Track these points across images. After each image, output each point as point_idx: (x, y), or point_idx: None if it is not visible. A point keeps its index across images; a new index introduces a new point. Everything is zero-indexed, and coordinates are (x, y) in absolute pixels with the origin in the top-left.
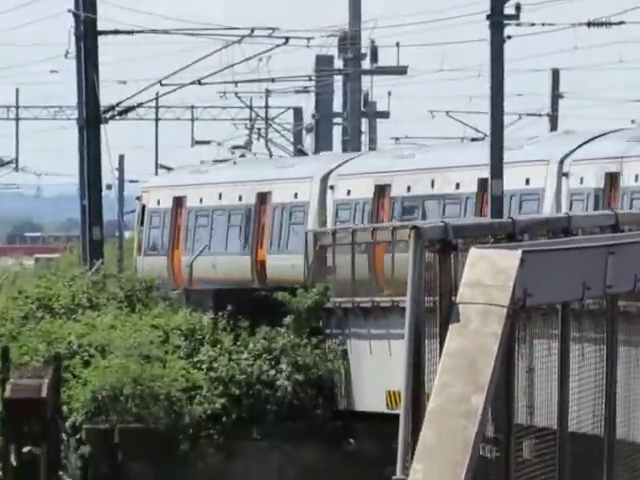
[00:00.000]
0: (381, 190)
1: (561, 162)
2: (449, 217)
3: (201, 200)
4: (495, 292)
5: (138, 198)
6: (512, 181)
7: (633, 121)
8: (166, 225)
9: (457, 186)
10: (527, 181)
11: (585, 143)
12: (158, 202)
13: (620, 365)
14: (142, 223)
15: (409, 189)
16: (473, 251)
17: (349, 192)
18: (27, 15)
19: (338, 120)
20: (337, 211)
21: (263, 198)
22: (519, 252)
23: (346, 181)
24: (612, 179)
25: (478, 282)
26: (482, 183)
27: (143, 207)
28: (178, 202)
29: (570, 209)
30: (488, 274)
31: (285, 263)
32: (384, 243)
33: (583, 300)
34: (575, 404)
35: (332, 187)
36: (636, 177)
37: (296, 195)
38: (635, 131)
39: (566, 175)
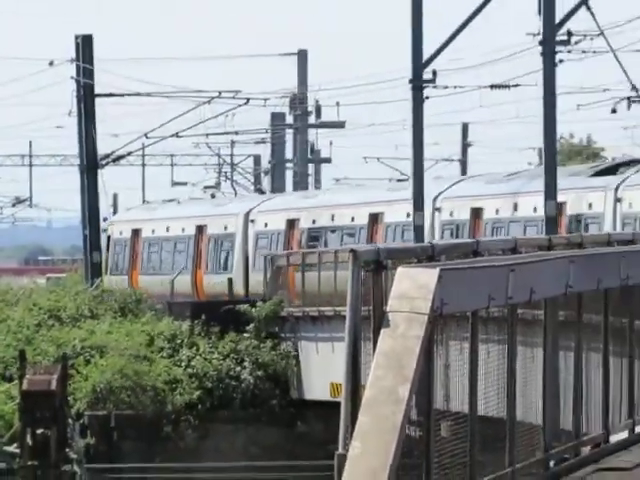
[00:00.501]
0: (291, 223)
1: (434, 199)
2: (347, 244)
3: (153, 231)
4: (418, 302)
5: (105, 230)
6: (399, 214)
7: (530, 163)
8: (126, 251)
9: (352, 219)
10: (408, 215)
11: (454, 184)
12: (120, 233)
13: (518, 361)
14: (108, 249)
15: (314, 222)
16: (400, 270)
17: (266, 225)
18: (38, 81)
19: (290, 165)
20: (257, 240)
21: (200, 230)
22: (437, 270)
23: (264, 216)
24: (476, 212)
25: (404, 295)
26: (372, 217)
27: (108, 237)
28: (135, 233)
29: (442, 237)
30: (412, 288)
31: (217, 280)
32: (329, 263)
33: (489, 308)
34: (482, 392)
35: (253, 221)
36: (496, 211)
37: (226, 227)
38: (492, 175)
39: (438, 210)
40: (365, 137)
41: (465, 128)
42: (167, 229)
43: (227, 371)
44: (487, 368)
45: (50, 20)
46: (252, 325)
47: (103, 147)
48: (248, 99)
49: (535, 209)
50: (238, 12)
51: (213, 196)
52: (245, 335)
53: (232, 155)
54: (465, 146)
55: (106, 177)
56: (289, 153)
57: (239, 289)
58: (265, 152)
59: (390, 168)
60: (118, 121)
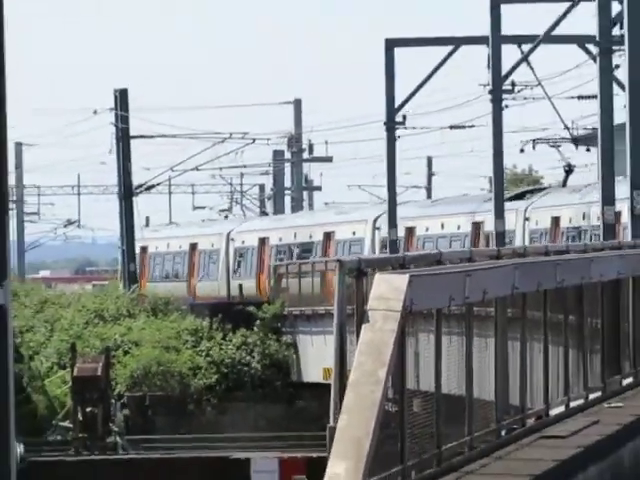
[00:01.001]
0: (263, 241)
1: (374, 221)
2: (306, 257)
3: (156, 247)
4: (392, 302)
5: (120, 247)
6: (346, 233)
7: (482, 189)
8: (137, 264)
9: (310, 236)
10: (353, 233)
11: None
12: (166, 246)
13: (474, 349)
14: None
15: (280, 239)
16: (377, 276)
17: (243, 242)
18: (84, 126)
19: (288, 192)
20: (236, 254)
21: (193, 247)
22: (407, 276)
23: (241, 235)
24: (410, 231)
25: (381, 296)
26: (325, 235)
27: (123, 251)
28: (143, 249)
29: (380, 252)
30: (387, 290)
31: (206, 286)
32: (319, 271)
33: (450, 307)
34: (446, 375)
35: (233, 239)
36: (426, 228)
37: (212, 244)
38: (424, 201)
39: (378, 229)
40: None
41: (430, 161)
42: (168, 246)
43: (239, 359)
44: (449, 355)
45: (92, 73)
46: (259, 322)
47: (137, 179)
48: (254, 139)
49: (459, 227)
50: (246, 66)
51: (226, 217)
52: (253, 330)
53: (242, 184)
54: (430, 175)
55: (140, 203)
56: (287, 182)
57: (223, 292)
58: (268, 181)
59: (369, 194)
60: (149, 157)
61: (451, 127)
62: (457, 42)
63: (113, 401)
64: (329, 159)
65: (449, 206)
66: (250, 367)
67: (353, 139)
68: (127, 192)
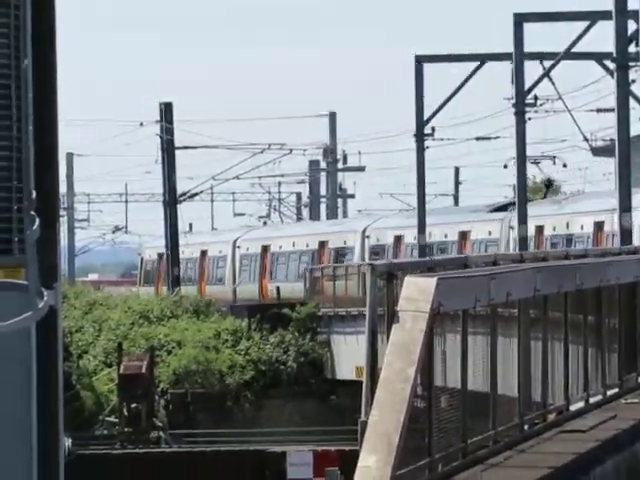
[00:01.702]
0: (265, 248)
1: (363, 231)
2: (302, 264)
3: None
4: (421, 303)
5: (139, 254)
6: (339, 241)
7: (506, 197)
8: (155, 269)
9: (307, 245)
10: (345, 242)
11: (379, 219)
12: (149, 256)
13: (498, 348)
14: (141, 268)
15: (280, 247)
16: (407, 278)
17: (248, 249)
18: (132, 137)
19: (323, 200)
20: (242, 260)
21: (204, 253)
22: (435, 279)
23: (246, 243)
24: (398, 239)
25: (410, 298)
26: (320, 243)
27: (142, 258)
28: (160, 257)
29: (370, 259)
30: (416, 292)
31: (216, 289)
32: (353, 275)
33: (475, 308)
34: (471, 372)
35: (239, 246)
36: (414, 237)
37: (220, 251)
38: (410, 212)
39: (368, 237)
40: (381, 178)
41: (457, 170)
42: (182, 252)
43: (276, 358)
44: (475, 354)
45: (138, 87)
46: (294, 323)
47: (181, 187)
48: (291, 150)
49: (446, 235)
50: (283, 80)
51: (265, 224)
52: (290, 330)
53: (279, 192)
54: (457, 184)
55: (184, 210)
56: (323, 190)
57: (229, 296)
58: (304, 190)
59: (400, 201)
60: (192, 167)
61: (477, 138)
62: (482, 58)
63: (157, 397)
64: (362, 169)
65: (439, 216)
66: (286, 365)
67: (385, 150)
68: (172, 200)
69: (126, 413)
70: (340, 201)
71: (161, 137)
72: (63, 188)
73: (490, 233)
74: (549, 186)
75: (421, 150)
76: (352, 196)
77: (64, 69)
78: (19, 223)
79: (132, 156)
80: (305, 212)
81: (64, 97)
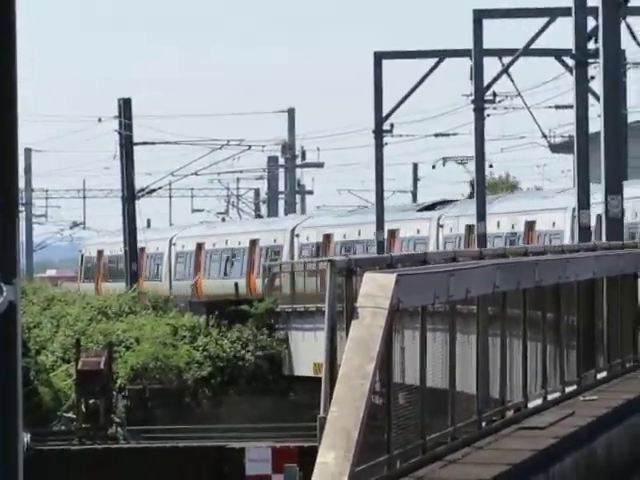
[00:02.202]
0: (199, 246)
1: (292, 230)
2: (236, 261)
3: (111, 252)
4: (380, 300)
5: (79, 250)
6: (270, 240)
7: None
8: (95, 265)
9: (239, 243)
10: (275, 240)
11: (309, 218)
12: (89, 253)
13: (457, 345)
14: (81, 264)
15: (214, 245)
16: (367, 275)
17: (183, 247)
18: (90, 133)
19: (282, 196)
20: (177, 258)
21: (142, 250)
22: (395, 275)
23: (182, 241)
24: (327, 237)
25: (369, 294)
26: (252, 242)
27: (82, 255)
28: (100, 253)
29: (299, 257)
30: (376, 288)
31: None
32: (311, 271)
33: (434, 305)
34: (430, 369)
35: (174, 244)
36: (343, 235)
37: (157, 248)
38: (342, 211)
39: (297, 236)
40: (339, 174)
41: (415, 167)
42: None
43: (234, 354)
44: (434, 350)
45: (96, 83)
46: (253, 319)
47: (139, 183)
48: (250, 146)
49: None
50: (242, 76)
51: (223, 220)
52: (248, 326)
53: (238, 188)
54: (415, 180)
55: (142, 206)
56: (281, 187)
57: (166, 292)
58: (263, 186)
59: (358, 198)
60: (151, 163)
61: (436, 135)
62: (441, 55)
63: (115, 393)
64: (320, 165)
65: (369, 215)
66: (245, 361)
67: (343, 146)
68: (130, 195)
69: (84, 409)
70: (299, 197)
71: (120, 133)
72: (21, 183)
73: (419, 232)
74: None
75: (380, 146)
76: (311, 192)
77: (26, 65)
78: None
79: (90, 152)
80: (263, 208)
81: (24, 93)
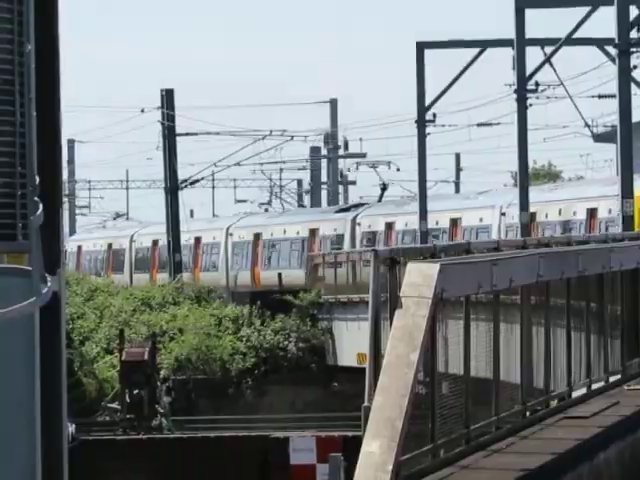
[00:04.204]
0: (256, 236)
1: (227, 229)
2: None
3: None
4: (424, 289)
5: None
6: (329, 230)
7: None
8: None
9: (297, 233)
10: (214, 237)
11: (242, 218)
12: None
13: (501, 334)
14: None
15: (272, 234)
16: (410, 264)
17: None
18: (133, 123)
19: (324, 186)
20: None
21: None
22: (438, 264)
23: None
24: (256, 236)
25: (413, 284)
26: (196, 239)
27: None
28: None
29: (232, 254)
30: (419, 278)
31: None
32: (356, 261)
33: (478, 294)
34: (474, 359)
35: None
36: (271, 234)
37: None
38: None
39: (231, 235)
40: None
41: (458, 157)
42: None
43: (277, 344)
44: (477, 340)
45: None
46: (296, 309)
47: (182, 173)
48: (292, 136)
49: (298, 232)
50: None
51: (266, 210)
52: (291, 317)
53: (280, 179)
54: (458, 171)
55: (185, 197)
56: (324, 177)
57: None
58: (306, 176)
59: (401, 188)
60: (193, 153)
61: (478, 125)
62: (484, 45)
63: (159, 384)
64: (363, 155)
65: (292, 216)
66: (287, 351)
67: (385, 136)
68: (173, 186)
69: (128, 400)
70: (341, 188)
71: (162, 124)
72: (65, 174)
73: (335, 230)
74: (384, 189)
75: (422, 137)
76: (353, 183)
77: (63, 52)
78: (22, 209)
79: (133, 143)
80: (306, 199)
81: (64, 82)
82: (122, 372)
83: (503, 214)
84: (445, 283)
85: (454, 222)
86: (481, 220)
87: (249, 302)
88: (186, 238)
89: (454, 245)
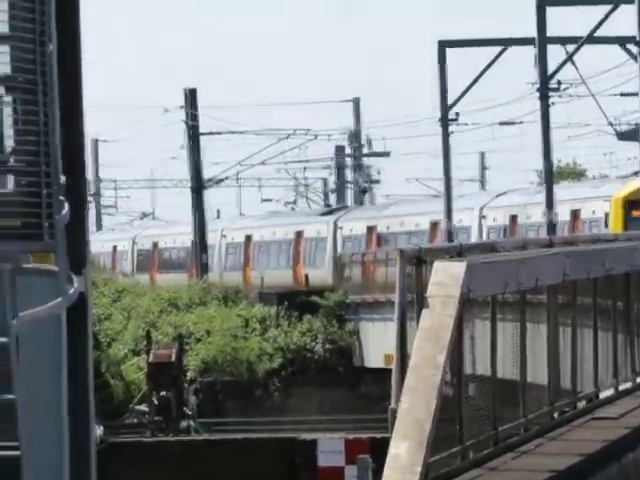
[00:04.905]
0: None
1: (133, 238)
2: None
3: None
4: (450, 289)
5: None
6: (313, 231)
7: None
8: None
9: (286, 235)
10: (124, 246)
11: (147, 229)
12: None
13: (527, 335)
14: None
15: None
16: (436, 263)
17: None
18: (157, 122)
19: (350, 185)
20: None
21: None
22: (465, 263)
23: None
24: (154, 245)
25: (440, 283)
26: (297, 233)
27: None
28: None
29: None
30: (446, 277)
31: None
32: (381, 260)
33: (504, 294)
34: (500, 359)
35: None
36: (174, 241)
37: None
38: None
39: (136, 243)
40: (406, 163)
41: (482, 155)
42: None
43: (304, 345)
44: (504, 340)
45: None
46: (323, 310)
47: (207, 173)
48: (316, 135)
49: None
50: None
51: (293, 209)
52: (318, 317)
53: (305, 178)
54: (482, 169)
55: (210, 196)
56: (349, 176)
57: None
58: (330, 176)
59: (425, 186)
60: (218, 152)
61: (501, 123)
62: (506, 43)
63: (186, 386)
64: (387, 154)
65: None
66: (314, 352)
67: (409, 134)
68: (198, 186)
69: (156, 402)
70: (367, 186)
71: (186, 123)
72: (90, 174)
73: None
74: (364, 192)
75: (446, 135)
76: (378, 181)
77: (86, 51)
78: (48, 208)
79: (157, 142)
80: (332, 198)
81: (86, 81)
82: (149, 374)
83: (483, 217)
84: (472, 282)
85: (434, 225)
86: (460, 221)
87: (276, 303)
88: (183, 239)
89: (480, 244)
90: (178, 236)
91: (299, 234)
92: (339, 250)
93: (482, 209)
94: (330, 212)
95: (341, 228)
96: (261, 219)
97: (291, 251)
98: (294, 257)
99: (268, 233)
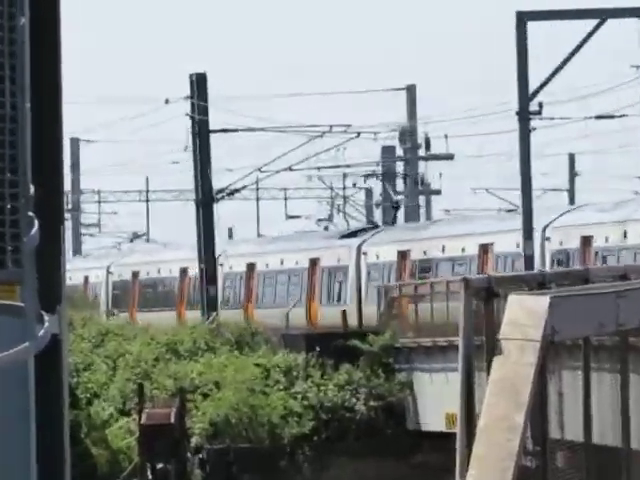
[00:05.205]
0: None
1: (107, 267)
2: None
3: (147, 273)
4: (530, 330)
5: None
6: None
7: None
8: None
9: (297, 263)
10: (97, 276)
11: (123, 257)
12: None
13: (632, 389)
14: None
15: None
16: (512, 297)
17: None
18: (154, 119)
19: (401, 197)
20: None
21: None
22: (548, 297)
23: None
24: (135, 275)
25: (516, 322)
26: (85, 277)
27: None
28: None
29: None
30: (524, 315)
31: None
32: (440, 293)
33: (600, 336)
34: (597, 421)
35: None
36: (147, 273)
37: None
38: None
39: (111, 273)
40: (474, 168)
41: (572, 158)
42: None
43: (342, 402)
44: (600, 396)
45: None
46: (365, 357)
47: (218, 182)
48: (359, 133)
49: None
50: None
51: (326, 229)
52: (359, 366)
53: (344, 188)
54: (572, 176)
55: (220, 211)
56: (400, 186)
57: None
58: (376, 185)
59: (498, 199)
60: (232, 156)
61: (597, 117)
62: (602, 15)
63: (189, 455)
64: (450, 156)
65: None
66: (355, 411)
67: (478, 132)
68: (206, 198)
69: (150, 476)
70: (422, 199)
71: (192, 117)
72: (67, 184)
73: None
74: (397, 208)
75: (526, 132)
76: (438, 192)
77: (67, 34)
78: (13, 227)
79: (155, 142)
80: (377, 213)
81: (67, 71)
82: (142, 440)
83: (547, 239)
84: (557, 321)
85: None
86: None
87: (304, 348)
88: (170, 268)
89: (568, 272)
90: (163, 264)
91: (314, 262)
92: (363, 281)
93: (545, 229)
94: (353, 234)
95: (365, 254)
96: (268, 243)
97: (304, 283)
98: (308, 290)
99: (275, 261)
